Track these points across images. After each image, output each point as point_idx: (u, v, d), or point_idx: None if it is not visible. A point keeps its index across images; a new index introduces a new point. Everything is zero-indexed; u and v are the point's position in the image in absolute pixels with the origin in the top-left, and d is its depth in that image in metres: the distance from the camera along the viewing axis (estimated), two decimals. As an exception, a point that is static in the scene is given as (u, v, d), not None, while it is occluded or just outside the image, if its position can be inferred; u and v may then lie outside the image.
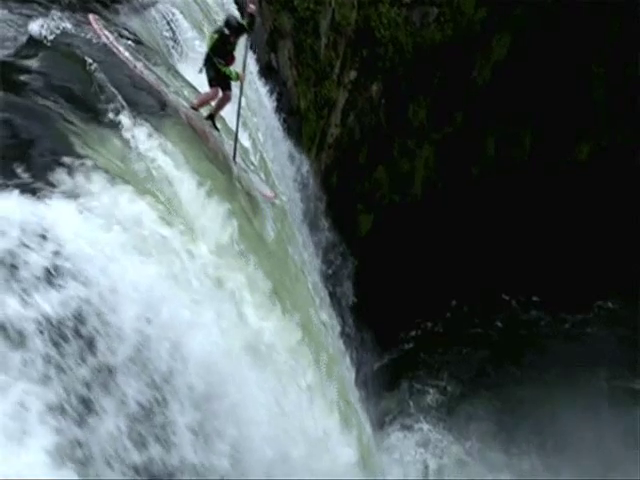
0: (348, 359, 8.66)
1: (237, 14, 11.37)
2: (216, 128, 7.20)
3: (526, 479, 10.29)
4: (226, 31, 6.53)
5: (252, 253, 6.09)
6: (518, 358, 12.09)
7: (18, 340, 3.71)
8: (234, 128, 7.17)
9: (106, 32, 6.67)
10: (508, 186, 14.31)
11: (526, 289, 14.07)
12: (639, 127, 13.81)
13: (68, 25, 6.44)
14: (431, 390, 11.80)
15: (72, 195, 4.53)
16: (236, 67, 6.83)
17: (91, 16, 6.81)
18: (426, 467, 10.36)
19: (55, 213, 4.28)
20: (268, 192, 7.58)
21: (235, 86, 6.98)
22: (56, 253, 4.07)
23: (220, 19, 10.50)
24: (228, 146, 7.14)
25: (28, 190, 4.31)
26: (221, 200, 6.00)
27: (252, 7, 6.80)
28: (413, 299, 13.44)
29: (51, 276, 3.99)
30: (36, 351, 3.74)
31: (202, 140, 6.69)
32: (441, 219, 14.37)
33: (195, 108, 7.01)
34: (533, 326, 13.45)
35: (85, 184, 4.69)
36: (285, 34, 14.38)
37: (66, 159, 4.75)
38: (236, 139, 7.09)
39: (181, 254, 5.08)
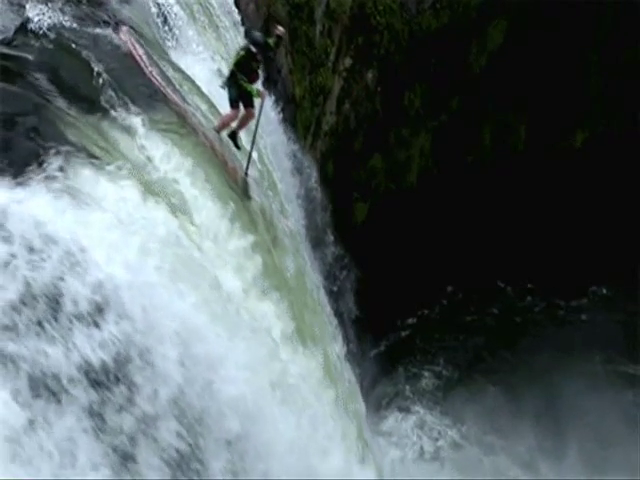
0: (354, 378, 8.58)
1: (237, 15, 11.28)
2: (237, 147, 7.20)
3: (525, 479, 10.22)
4: (253, 49, 6.60)
5: (275, 290, 6.07)
6: (513, 344, 12.19)
7: (59, 391, 3.53)
8: (247, 145, 7.16)
9: (137, 46, 6.47)
10: (504, 174, 14.34)
11: (521, 276, 14.15)
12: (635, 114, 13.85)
13: (73, 22, 6.14)
14: (427, 374, 11.91)
15: (106, 206, 4.36)
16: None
17: (124, 28, 6.54)
18: (422, 450, 10.49)
19: (93, 229, 4.07)
20: (282, 219, 7.64)
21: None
22: (96, 280, 3.87)
23: (214, 9, 10.39)
24: (247, 169, 7.02)
25: (58, 192, 4.09)
26: (244, 232, 5.90)
27: (281, 29, 6.95)
28: (410, 286, 13.49)
29: (92, 311, 3.79)
30: (78, 403, 3.56)
31: (222, 164, 6.58)
32: (437, 207, 14.40)
33: (218, 131, 6.98)
34: (528, 313, 13.55)
35: (118, 196, 4.53)
36: (280, 21, 14.26)
37: (92, 165, 4.57)
38: (250, 156, 7.01)
39: (214, 282, 4.97)
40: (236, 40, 10.24)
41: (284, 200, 8.99)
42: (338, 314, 9.45)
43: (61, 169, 4.38)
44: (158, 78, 6.41)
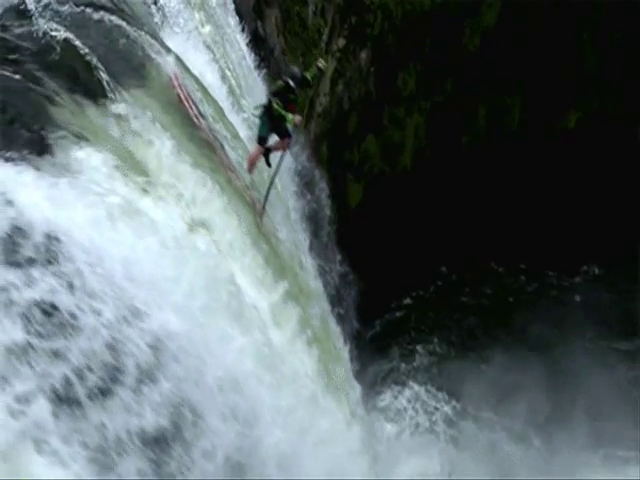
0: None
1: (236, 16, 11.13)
2: (268, 164, 7.27)
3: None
4: (291, 83, 6.85)
5: (307, 343, 6.12)
6: (507, 323, 12.23)
7: (114, 458, 3.33)
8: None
9: (185, 90, 6.36)
10: (498, 155, 14.34)
11: (514, 257, 14.20)
12: (631, 95, 13.86)
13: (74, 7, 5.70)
14: (422, 352, 11.98)
15: (155, 230, 4.15)
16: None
17: (173, 74, 6.42)
18: (418, 425, 10.57)
19: (145, 262, 3.83)
20: (307, 259, 8.01)
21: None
22: (151, 330, 3.61)
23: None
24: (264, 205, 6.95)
25: (111, 208, 3.89)
26: (276, 280, 5.83)
27: (322, 62, 7.42)
28: (404, 268, 13.50)
29: (149, 367, 3.56)
30: (134, 467, 3.39)
31: (251, 204, 6.59)
32: (431, 189, 14.39)
33: (249, 172, 7.08)
34: (521, 293, 13.64)
35: (165, 222, 4.33)
36: (272, 1, 14.14)
37: (136, 184, 4.38)
38: (268, 191, 6.98)
39: (262, 325, 4.94)
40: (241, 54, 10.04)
41: (294, 222, 8.97)
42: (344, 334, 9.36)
43: (109, 183, 4.16)
44: (193, 106, 6.30)
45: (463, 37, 14.21)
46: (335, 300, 10.77)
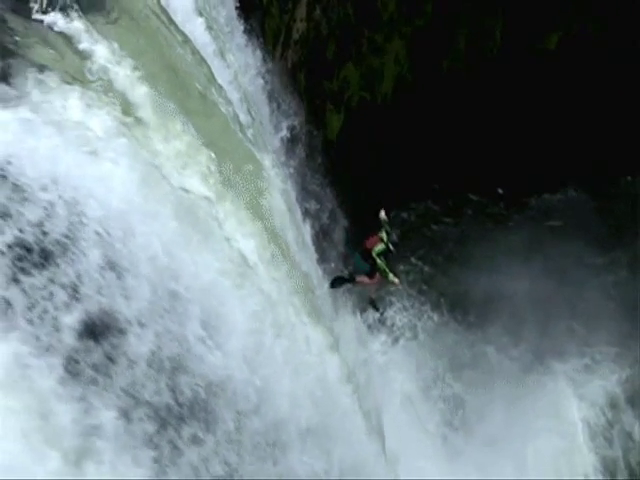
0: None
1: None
2: (377, 309, 9.83)
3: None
4: (391, 247, 9.08)
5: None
6: (486, 243, 12.45)
7: None
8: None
9: None
10: (478, 78, 14.20)
11: (493, 183, 14.34)
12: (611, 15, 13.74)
13: None
14: (405, 270, 12.20)
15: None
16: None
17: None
18: (403, 335, 10.91)
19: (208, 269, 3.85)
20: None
21: None
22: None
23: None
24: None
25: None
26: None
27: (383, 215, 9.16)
28: (383, 198, 13.50)
29: None
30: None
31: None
32: (411, 117, 14.25)
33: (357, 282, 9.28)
34: (499, 216, 13.89)
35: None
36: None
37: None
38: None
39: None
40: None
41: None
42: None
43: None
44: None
45: (443, -45, 13.77)
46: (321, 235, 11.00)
